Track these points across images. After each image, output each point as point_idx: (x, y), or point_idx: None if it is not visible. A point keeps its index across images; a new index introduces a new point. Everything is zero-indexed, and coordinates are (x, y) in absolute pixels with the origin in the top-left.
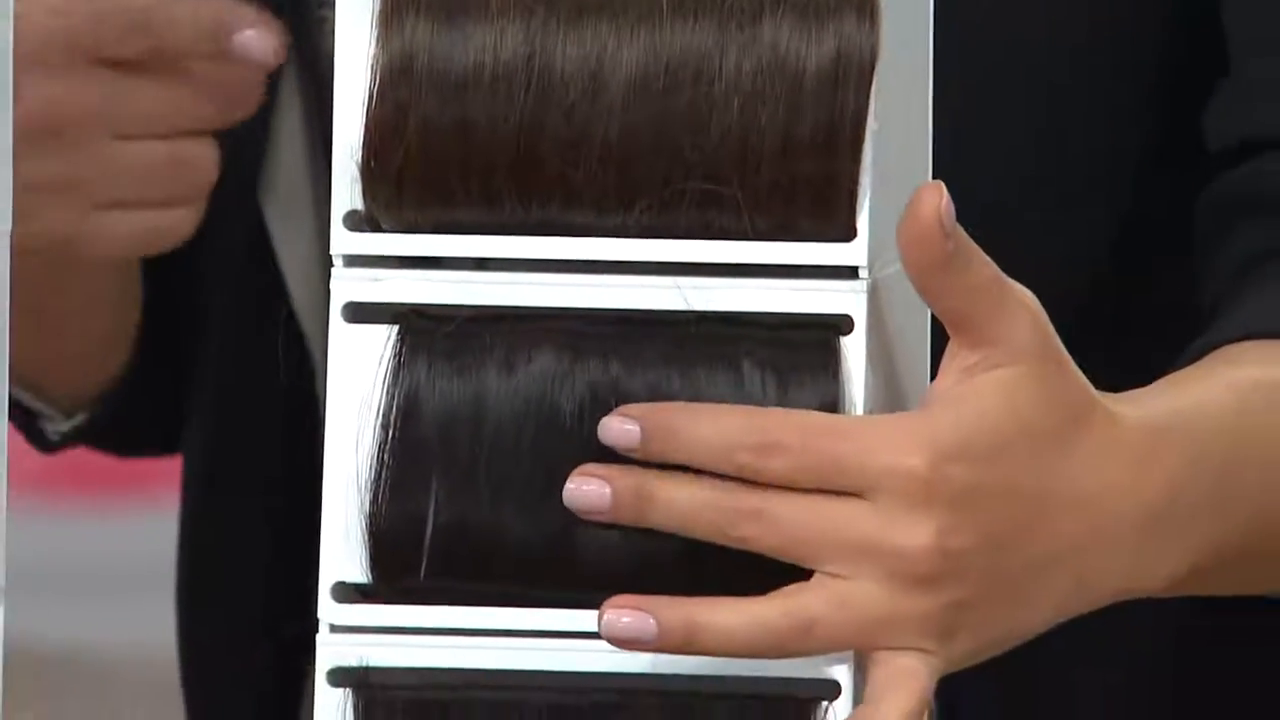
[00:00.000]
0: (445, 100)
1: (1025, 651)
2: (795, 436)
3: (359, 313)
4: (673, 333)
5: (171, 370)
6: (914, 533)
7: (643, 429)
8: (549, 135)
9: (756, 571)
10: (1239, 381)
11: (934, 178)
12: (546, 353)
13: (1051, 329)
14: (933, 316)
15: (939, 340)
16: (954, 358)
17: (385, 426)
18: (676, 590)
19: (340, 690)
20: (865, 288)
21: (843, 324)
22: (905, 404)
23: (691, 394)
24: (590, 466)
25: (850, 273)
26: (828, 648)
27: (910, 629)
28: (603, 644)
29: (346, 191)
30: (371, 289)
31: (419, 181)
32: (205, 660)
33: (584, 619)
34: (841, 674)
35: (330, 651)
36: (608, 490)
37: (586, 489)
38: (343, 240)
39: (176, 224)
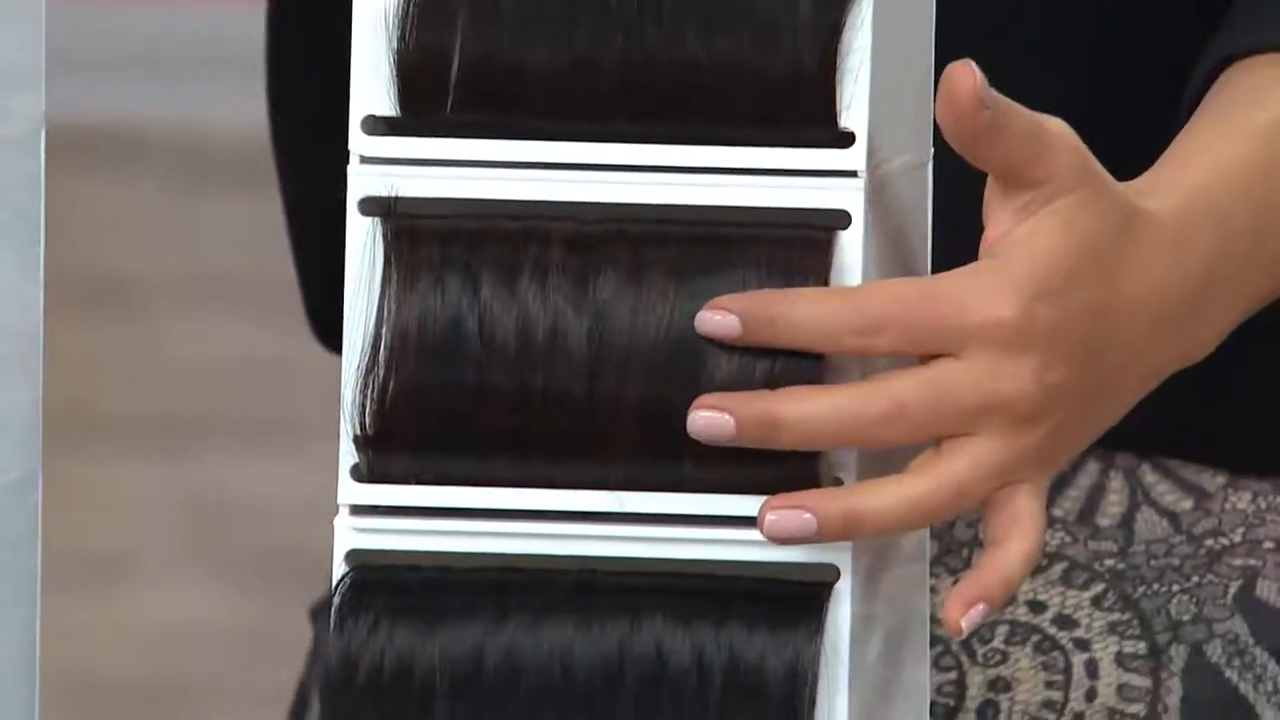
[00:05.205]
0: None
1: None
2: (893, 311)
3: None
4: None
5: None
6: (1017, 379)
7: (742, 321)
8: None
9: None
10: (1256, 129)
11: None
12: None
13: (1086, 149)
14: None
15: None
16: (1004, 201)
17: None
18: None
19: (370, 219)
20: None
21: None
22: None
23: None
24: (710, 398)
25: None
26: (974, 505)
27: (1026, 463)
28: (624, 176)
29: None
30: None
31: None
32: (297, 137)
33: (606, 152)
34: (853, 204)
35: (360, 182)
36: (731, 421)
37: (710, 419)
38: None
39: None
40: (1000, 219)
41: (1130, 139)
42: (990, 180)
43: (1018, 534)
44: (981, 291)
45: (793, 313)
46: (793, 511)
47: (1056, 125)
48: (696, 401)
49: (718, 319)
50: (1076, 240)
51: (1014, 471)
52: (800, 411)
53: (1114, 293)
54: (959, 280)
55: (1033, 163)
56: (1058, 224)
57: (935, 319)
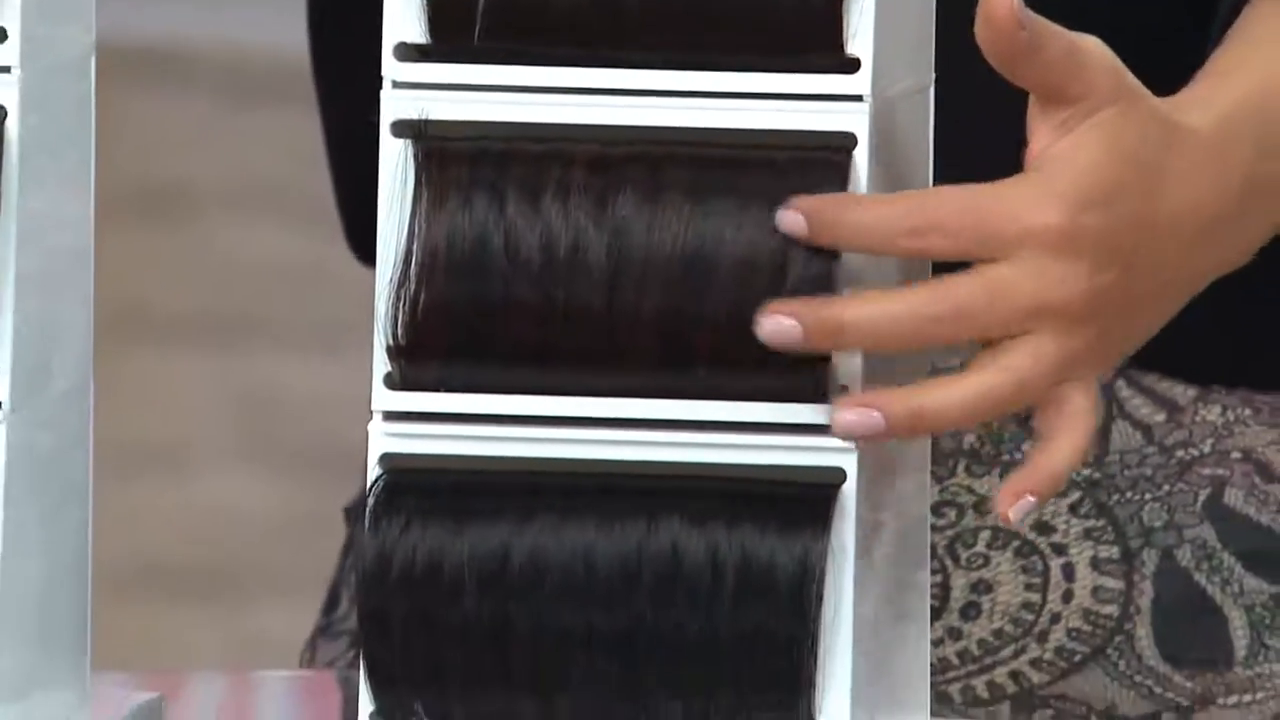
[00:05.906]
0: None
1: None
2: (947, 214)
3: None
4: None
5: None
6: (1068, 282)
7: (807, 219)
8: None
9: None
10: None
11: None
12: None
13: (1122, 65)
14: None
15: None
16: (1045, 118)
17: None
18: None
19: (402, 141)
20: None
21: None
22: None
23: None
24: (780, 304)
25: None
26: (1034, 398)
27: (1080, 362)
28: (643, 101)
29: None
30: None
31: None
32: (336, 66)
33: (626, 78)
34: (859, 127)
35: (393, 106)
36: (799, 327)
37: (779, 327)
38: None
39: None
40: (1041, 134)
41: (1151, 75)
42: (1031, 98)
43: (1069, 430)
44: (1028, 199)
45: (852, 214)
46: (861, 410)
47: (1092, 43)
48: (767, 308)
49: (795, 217)
50: (1118, 152)
51: (1070, 369)
52: (863, 314)
53: (1156, 205)
54: (1007, 188)
55: (1070, 80)
56: (1099, 137)
57: (985, 223)
